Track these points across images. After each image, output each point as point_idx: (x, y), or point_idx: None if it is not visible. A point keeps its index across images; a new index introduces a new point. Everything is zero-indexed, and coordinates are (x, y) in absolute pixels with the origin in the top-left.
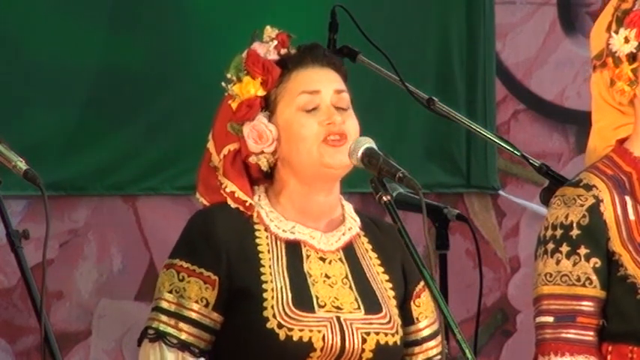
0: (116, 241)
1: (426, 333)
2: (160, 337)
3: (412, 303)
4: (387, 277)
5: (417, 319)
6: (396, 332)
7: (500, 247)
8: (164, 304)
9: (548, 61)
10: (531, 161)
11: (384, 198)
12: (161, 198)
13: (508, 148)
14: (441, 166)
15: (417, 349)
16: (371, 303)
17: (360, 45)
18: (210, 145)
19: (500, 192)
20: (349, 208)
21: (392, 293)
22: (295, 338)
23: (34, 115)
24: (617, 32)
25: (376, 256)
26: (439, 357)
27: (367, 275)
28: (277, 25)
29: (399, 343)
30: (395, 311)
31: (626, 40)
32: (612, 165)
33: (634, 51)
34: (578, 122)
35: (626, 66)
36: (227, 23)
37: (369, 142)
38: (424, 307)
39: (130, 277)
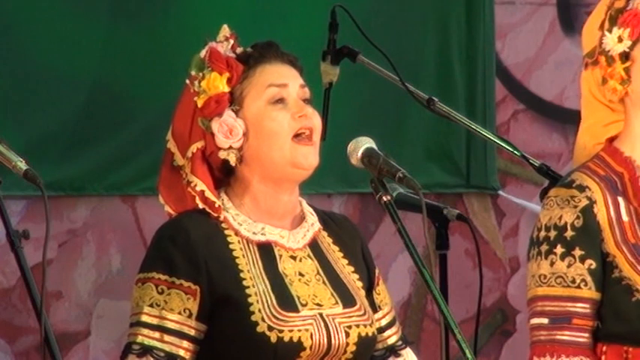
0: (115, 241)
1: (384, 322)
2: (147, 351)
3: (374, 291)
4: (352, 268)
5: (379, 306)
6: (372, 323)
7: (500, 248)
8: (146, 318)
9: (547, 61)
10: (531, 161)
11: (384, 198)
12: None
13: (508, 148)
14: (441, 166)
15: (377, 337)
16: (346, 297)
17: (360, 45)
18: (172, 145)
19: (500, 192)
20: (305, 203)
21: (360, 284)
22: (286, 339)
23: (34, 115)
24: (610, 31)
25: (338, 249)
26: (399, 343)
27: (335, 269)
28: (277, 24)
29: (375, 333)
30: (366, 302)
31: (620, 40)
32: (604, 165)
33: (627, 50)
34: (577, 122)
35: (619, 65)
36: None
37: (369, 142)
38: (383, 294)
39: (129, 277)
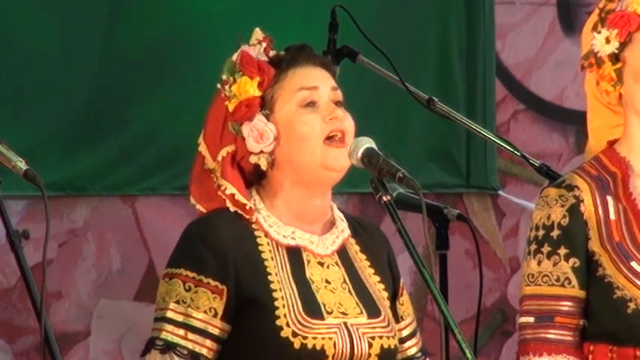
0: (115, 241)
1: (405, 333)
2: (170, 348)
3: (397, 301)
4: (378, 278)
5: (402, 317)
6: (394, 335)
7: (500, 247)
8: (171, 314)
9: (547, 61)
10: (531, 161)
11: (384, 198)
12: (160, 198)
13: (508, 148)
14: (441, 166)
15: (398, 347)
16: (371, 307)
17: (360, 45)
18: (203, 148)
19: (500, 192)
20: (336, 208)
21: (385, 294)
22: (309, 346)
23: (33, 115)
24: (599, 32)
25: (365, 257)
26: (419, 354)
27: (362, 278)
28: (276, 25)
29: (397, 345)
30: (390, 313)
31: (607, 41)
32: (598, 165)
33: (616, 51)
34: (577, 122)
35: (609, 66)
36: (226, 24)
37: (369, 142)
38: (406, 305)
39: (129, 277)
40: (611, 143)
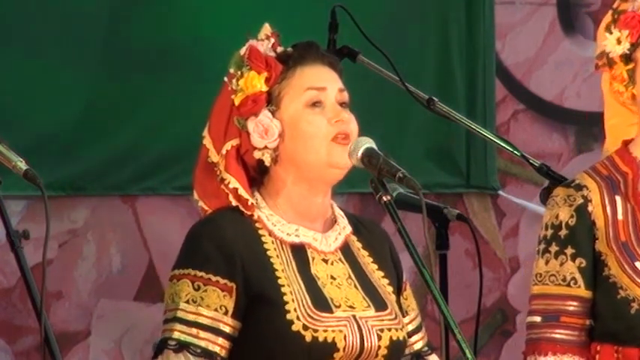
0: (115, 241)
1: (410, 327)
2: (183, 347)
3: (401, 296)
4: (382, 273)
5: (406, 312)
6: (402, 327)
7: (500, 247)
8: (182, 314)
9: (547, 62)
10: (531, 161)
11: (384, 198)
12: (160, 198)
13: (508, 148)
14: (441, 166)
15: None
16: (377, 301)
17: (360, 45)
18: (207, 142)
19: (500, 192)
20: (336, 206)
21: (390, 289)
22: (321, 339)
23: (34, 115)
24: (611, 33)
25: (367, 253)
26: (425, 349)
27: (366, 273)
28: (276, 24)
29: (406, 337)
30: (396, 307)
31: (618, 42)
32: (610, 165)
33: (627, 52)
34: (577, 122)
35: (621, 67)
36: (227, 24)
37: (369, 142)
38: (410, 299)
39: (129, 277)
40: (626, 143)
